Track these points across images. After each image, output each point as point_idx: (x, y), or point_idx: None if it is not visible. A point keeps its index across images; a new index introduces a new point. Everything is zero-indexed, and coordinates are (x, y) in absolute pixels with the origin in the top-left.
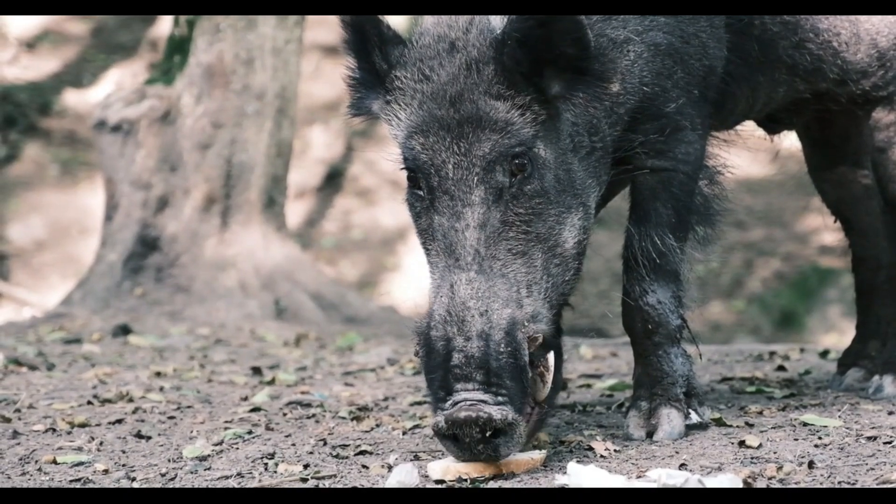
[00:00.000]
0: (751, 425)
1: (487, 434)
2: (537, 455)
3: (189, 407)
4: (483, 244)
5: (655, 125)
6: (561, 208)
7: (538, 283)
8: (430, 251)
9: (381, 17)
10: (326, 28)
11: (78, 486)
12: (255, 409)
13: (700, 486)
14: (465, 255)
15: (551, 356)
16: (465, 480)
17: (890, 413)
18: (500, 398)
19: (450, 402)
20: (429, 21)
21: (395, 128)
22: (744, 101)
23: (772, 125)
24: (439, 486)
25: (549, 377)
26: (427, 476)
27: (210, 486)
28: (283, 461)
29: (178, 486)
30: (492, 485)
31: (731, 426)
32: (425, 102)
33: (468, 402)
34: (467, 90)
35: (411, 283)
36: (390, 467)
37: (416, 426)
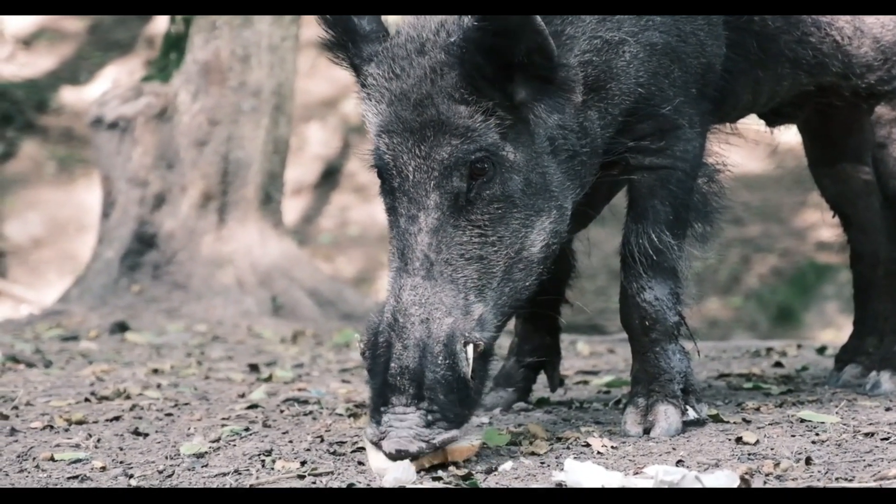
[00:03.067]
0: (748, 421)
1: None
2: (476, 441)
3: (186, 404)
4: (434, 249)
5: (652, 124)
6: (529, 212)
7: (493, 289)
8: (390, 251)
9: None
10: None
11: (76, 483)
12: (253, 406)
13: (697, 482)
14: (414, 260)
15: (469, 349)
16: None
17: (887, 409)
18: (430, 416)
19: (384, 419)
20: (409, 19)
21: (368, 124)
22: (747, 96)
23: (774, 118)
24: (436, 483)
25: (471, 368)
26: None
27: (207, 483)
28: (280, 458)
29: (175, 482)
30: (489, 484)
31: (728, 422)
32: (393, 102)
33: (396, 431)
34: (432, 93)
35: None
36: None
37: None
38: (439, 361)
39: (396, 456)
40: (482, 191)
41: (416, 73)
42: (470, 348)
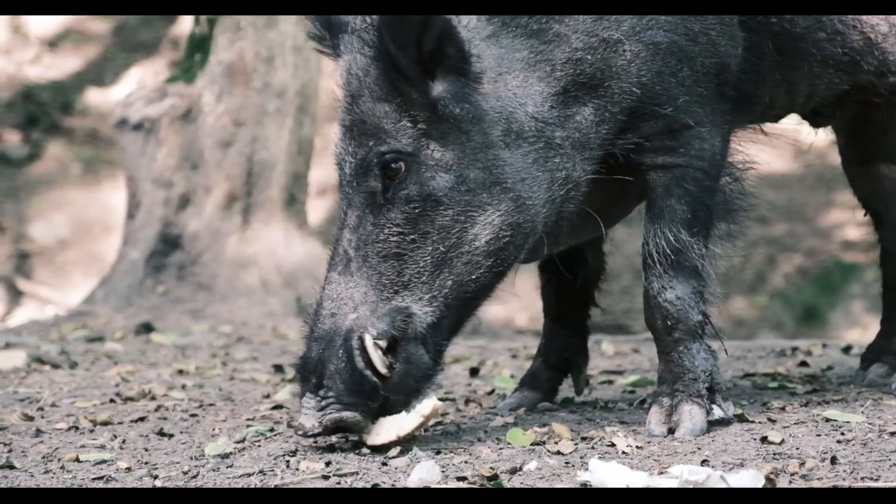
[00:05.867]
0: (773, 421)
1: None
2: (426, 409)
3: (211, 405)
4: (353, 246)
5: (661, 123)
6: (466, 207)
7: (424, 283)
8: None
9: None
10: None
11: (101, 484)
12: (277, 407)
13: (722, 482)
14: (335, 256)
15: (367, 338)
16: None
17: None
18: (324, 402)
19: (301, 402)
20: None
21: None
22: (782, 96)
23: (816, 119)
24: (460, 483)
25: (376, 359)
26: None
27: (232, 484)
28: (304, 458)
29: (200, 483)
30: (514, 484)
31: (753, 422)
32: (343, 98)
33: (304, 410)
34: (361, 90)
35: None
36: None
37: (438, 423)
38: (338, 354)
39: (294, 428)
40: (398, 191)
41: (355, 69)
42: (367, 339)
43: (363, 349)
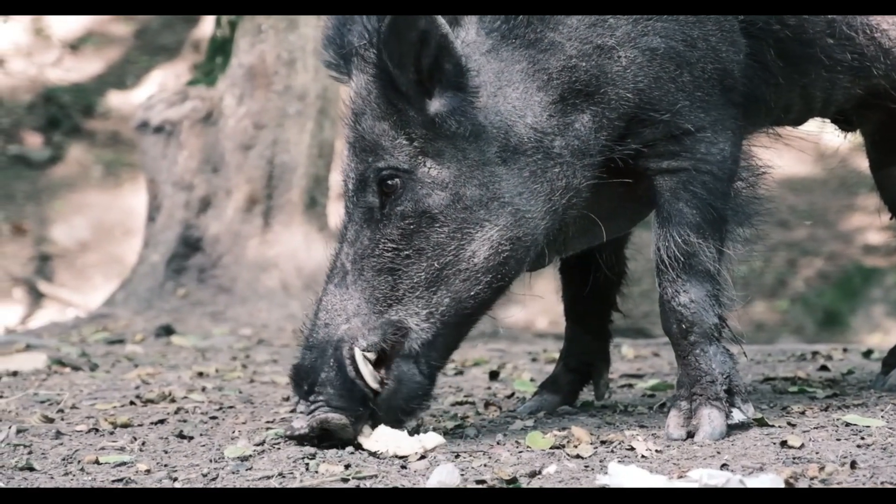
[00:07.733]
0: (793, 425)
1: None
2: (429, 444)
3: (231, 407)
4: (350, 259)
5: (661, 128)
6: (462, 224)
7: (418, 297)
8: None
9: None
10: None
11: (120, 486)
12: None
13: (741, 486)
14: (333, 268)
15: (357, 352)
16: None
17: None
18: (313, 405)
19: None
20: None
21: None
22: (797, 101)
23: (843, 123)
24: (480, 486)
25: (366, 372)
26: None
27: (251, 486)
28: (324, 461)
29: (219, 485)
30: (533, 485)
31: (773, 426)
32: (350, 116)
33: (296, 416)
34: (364, 108)
35: None
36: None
37: (458, 426)
38: (329, 363)
39: (287, 432)
40: (394, 207)
41: (359, 87)
42: (357, 353)
43: (353, 360)
